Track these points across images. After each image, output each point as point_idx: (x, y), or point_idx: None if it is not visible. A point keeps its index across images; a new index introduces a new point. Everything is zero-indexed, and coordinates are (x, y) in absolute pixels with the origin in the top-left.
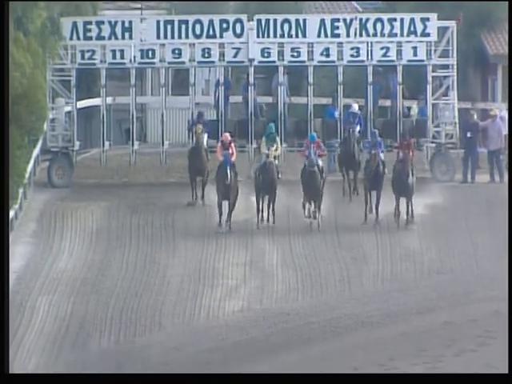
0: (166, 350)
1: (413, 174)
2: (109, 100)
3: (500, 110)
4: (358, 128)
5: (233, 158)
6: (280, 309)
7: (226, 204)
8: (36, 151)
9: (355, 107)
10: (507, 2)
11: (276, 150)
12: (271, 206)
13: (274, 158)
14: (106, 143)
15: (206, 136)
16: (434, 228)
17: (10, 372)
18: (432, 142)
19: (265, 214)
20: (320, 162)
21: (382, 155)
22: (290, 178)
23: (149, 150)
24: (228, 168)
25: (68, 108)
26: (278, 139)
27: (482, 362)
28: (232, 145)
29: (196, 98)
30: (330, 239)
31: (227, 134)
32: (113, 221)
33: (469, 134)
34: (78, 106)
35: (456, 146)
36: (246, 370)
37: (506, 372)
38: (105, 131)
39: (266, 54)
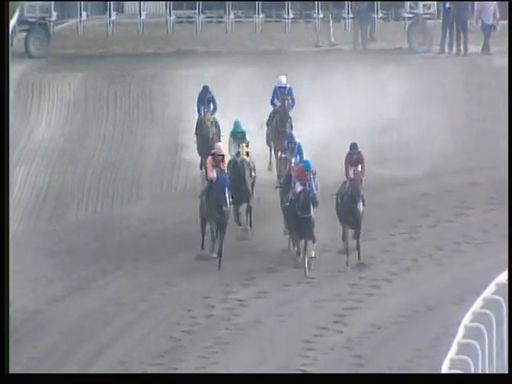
0: (143, 221)
1: (363, 200)
2: None
3: None
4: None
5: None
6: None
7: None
8: (13, 22)
9: (283, 80)
10: (507, 2)
11: (247, 146)
12: (249, 211)
13: (247, 154)
14: (84, 13)
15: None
16: (411, 99)
17: (10, 372)
18: (410, 13)
19: (242, 219)
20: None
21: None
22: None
23: (126, 20)
24: (226, 191)
25: None
26: (247, 137)
27: (458, 232)
28: (224, 159)
29: None
30: None
31: (220, 145)
32: (90, 91)
33: (447, 5)
34: None
35: (434, 16)
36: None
37: (506, 372)
38: (82, 1)
39: None
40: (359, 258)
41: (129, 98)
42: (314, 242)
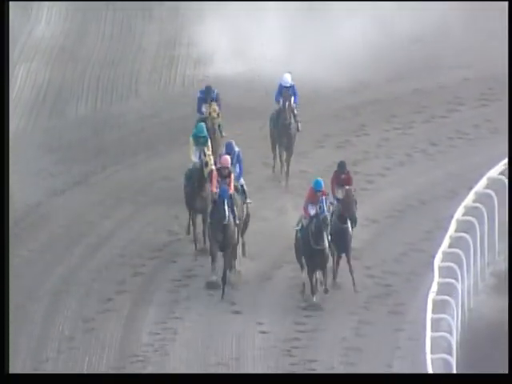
0: (142, 117)
1: (355, 221)
2: None
3: None
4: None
5: (231, 191)
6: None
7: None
8: None
9: (287, 79)
10: (507, 2)
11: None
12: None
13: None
14: None
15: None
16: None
17: (11, 372)
18: None
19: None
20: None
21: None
22: None
23: None
24: (226, 204)
25: None
26: (209, 144)
27: (451, 127)
28: (232, 175)
29: None
30: None
31: (227, 157)
32: None
33: None
34: None
35: None
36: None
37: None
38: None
39: None
40: (354, 284)
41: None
42: (325, 275)
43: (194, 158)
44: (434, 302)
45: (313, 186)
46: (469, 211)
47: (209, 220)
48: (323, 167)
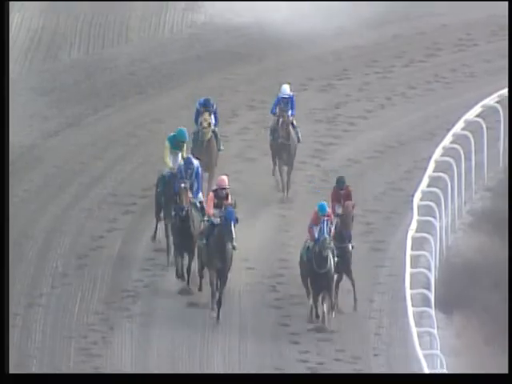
0: (132, 62)
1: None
2: None
3: None
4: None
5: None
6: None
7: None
8: None
9: (286, 89)
10: (507, 2)
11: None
12: None
13: None
14: None
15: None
16: None
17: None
18: None
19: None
20: (332, 244)
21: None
22: None
23: None
24: (232, 226)
25: None
26: (185, 148)
27: (429, 71)
28: (229, 197)
29: None
30: None
31: (224, 178)
32: None
33: None
34: None
35: None
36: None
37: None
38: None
39: None
40: (356, 300)
41: None
42: (331, 298)
43: (169, 162)
44: (414, 239)
45: (317, 210)
46: (446, 152)
47: (204, 242)
48: (308, 110)
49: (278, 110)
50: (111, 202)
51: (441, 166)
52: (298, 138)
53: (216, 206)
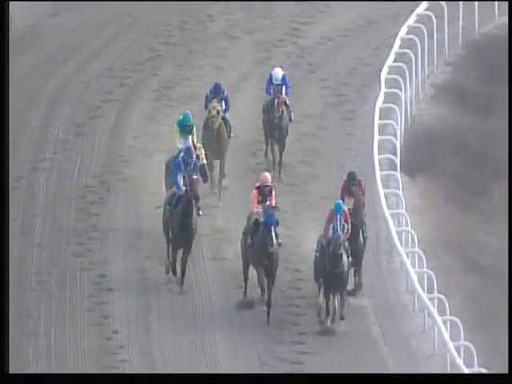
0: None
1: (364, 236)
2: None
3: None
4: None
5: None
6: None
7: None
8: None
9: (278, 73)
10: (507, 2)
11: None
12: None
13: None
14: None
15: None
16: None
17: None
18: None
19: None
20: (346, 243)
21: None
22: None
23: None
24: (273, 230)
25: None
26: (195, 131)
27: None
28: (273, 193)
29: None
30: None
31: (267, 175)
32: None
33: None
34: None
35: None
36: None
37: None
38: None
39: None
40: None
41: None
42: (342, 300)
43: (179, 145)
44: (381, 110)
45: (333, 209)
46: (411, 30)
47: (250, 242)
48: (285, 21)
49: (272, 90)
50: (107, 76)
51: (406, 43)
52: (290, 117)
53: (260, 203)
